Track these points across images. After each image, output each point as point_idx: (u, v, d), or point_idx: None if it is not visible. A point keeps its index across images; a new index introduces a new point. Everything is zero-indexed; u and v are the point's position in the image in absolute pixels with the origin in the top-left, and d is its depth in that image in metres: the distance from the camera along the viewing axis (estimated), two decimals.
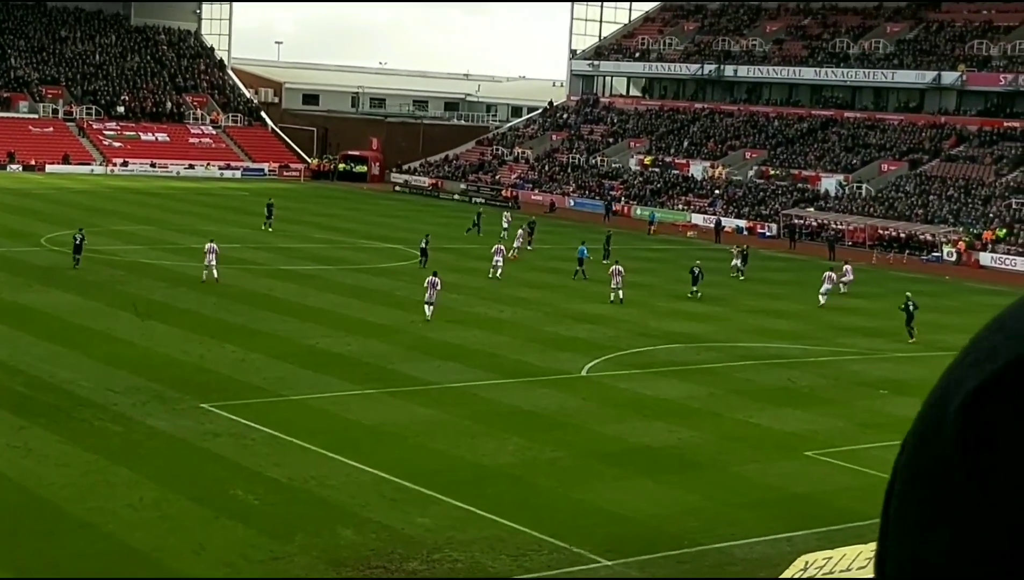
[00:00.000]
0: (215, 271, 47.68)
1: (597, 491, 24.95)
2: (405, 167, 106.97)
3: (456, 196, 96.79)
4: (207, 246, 48.56)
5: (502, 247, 55.17)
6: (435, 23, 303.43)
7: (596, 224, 76.12)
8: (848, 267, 55.92)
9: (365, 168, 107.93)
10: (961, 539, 1.01)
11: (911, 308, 44.18)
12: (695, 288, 51.34)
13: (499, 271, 52.87)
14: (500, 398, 32.36)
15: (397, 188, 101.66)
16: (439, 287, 42.53)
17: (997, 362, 1.06)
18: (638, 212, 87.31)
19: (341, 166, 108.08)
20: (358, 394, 31.88)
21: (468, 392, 32.83)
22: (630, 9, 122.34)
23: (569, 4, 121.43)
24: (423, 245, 56.40)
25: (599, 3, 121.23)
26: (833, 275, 52.63)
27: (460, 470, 26.00)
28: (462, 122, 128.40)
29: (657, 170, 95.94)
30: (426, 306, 42.16)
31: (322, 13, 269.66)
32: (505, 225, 68.09)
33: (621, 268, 48.89)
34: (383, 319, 42.43)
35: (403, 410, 30.42)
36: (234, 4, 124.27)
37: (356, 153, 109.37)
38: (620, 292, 48.15)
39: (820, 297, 51.00)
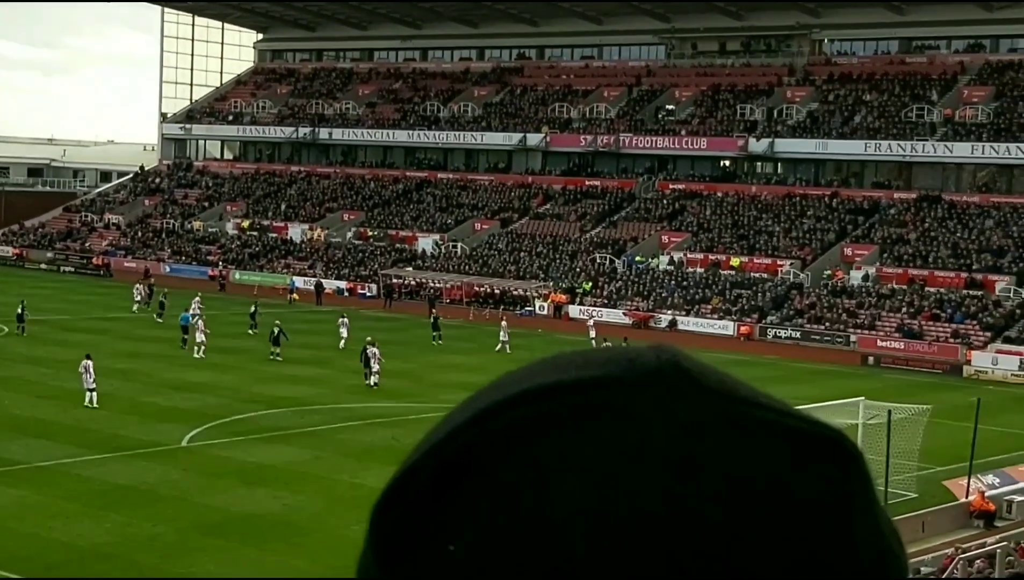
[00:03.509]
0: None
1: (200, 564, 24.26)
2: None
3: (43, 265, 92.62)
4: None
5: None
6: (14, 86, 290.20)
7: (197, 290, 74.40)
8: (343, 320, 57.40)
9: None
10: None
11: None
12: (276, 349, 51.42)
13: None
14: (95, 475, 30.98)
15: None
16: (92, 372, 39.76)
17: (412, 457, 0.99)
18: (237, 276, 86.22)
19: None
20: None
21: (60, 470, 31.24)
22: (221, 72, 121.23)
23: (158, 66, 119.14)
24: (20, 311, 55.81)
25: (188, 69, 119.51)
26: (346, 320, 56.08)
27: (53, 552, 24.67)
28: (47, 189, 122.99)
29: (255, 234, 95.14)
30: (89, 393, 39.59)
31: None
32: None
33: (377, 350, 46.84)
34: None
35: None
36: None
37: None
38: (375, 375, 46.22)
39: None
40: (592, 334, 61.59)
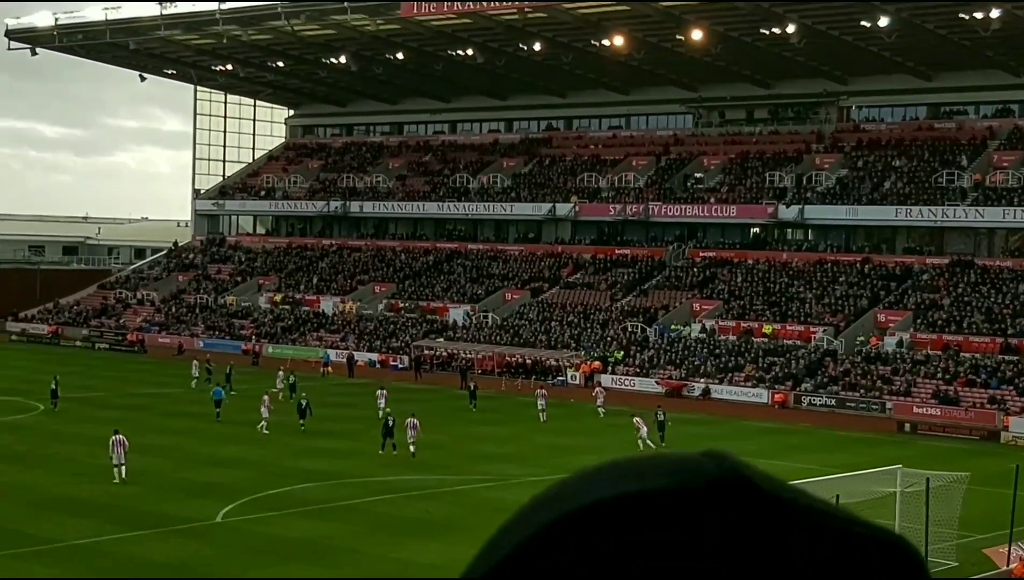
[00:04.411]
0: None
1: None
2: (22, 315, 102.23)
3: (78, 342, 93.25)
4: None
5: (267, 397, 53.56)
6: (49, 165, 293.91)
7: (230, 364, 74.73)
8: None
9: None
10: None
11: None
12: (303, 421, 52.10)
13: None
14: (131, 552, 30.98)
15: (14, 337, 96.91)
16: (127, 446, 40.16)
17: (479, 570, 1.03)
18: (270, 350, 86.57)
19: None
20: None
21: (95, 548, 31.27)
22: (253, 148, 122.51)
23: (192, 143, 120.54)
24: (53, 387, 56.56)
25: (221, 146, 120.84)
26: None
27: None
28: (82, 266, 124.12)
29: (288, 307, 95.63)
30: (117, 469, 39.84)
31: None
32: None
33: (416, 421, 47.39)
34: (2, 476, 40.00)
35: (12, 570, 28.62)
36: None
37: None
38: (412, 445, 46.63)
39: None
40: (599, 402, 61.31)
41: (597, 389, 64.88)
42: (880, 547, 0.97)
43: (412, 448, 46.59)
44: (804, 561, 0.94)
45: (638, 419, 50.83)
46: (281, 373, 64.94)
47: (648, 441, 50.02)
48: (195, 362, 68.67)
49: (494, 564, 1.00)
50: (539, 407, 58.07)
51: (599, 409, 60.06)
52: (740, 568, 0.93)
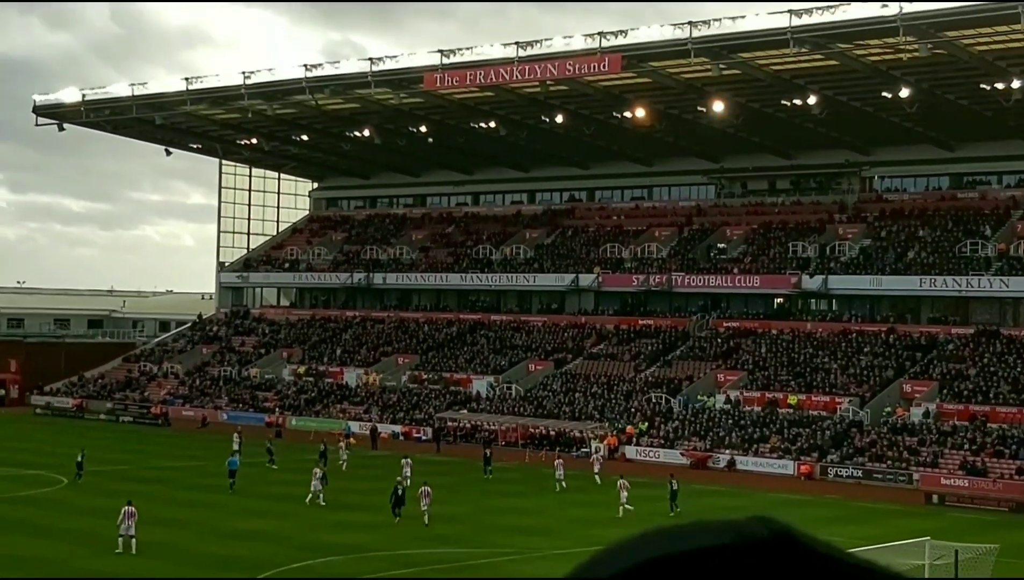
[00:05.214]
0: None
1: None
2: (47, 388, 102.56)
3: (103, 415, 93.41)
4: None
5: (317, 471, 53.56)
6: (74, 240, 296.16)
7: (270, 438, 74.69)
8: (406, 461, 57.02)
9: (3, 392, 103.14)
10: None
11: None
12: (320, 490, 52.07)
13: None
14: None
15: (39, 411, 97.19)
16: (136, 517, 40.23)
17: None
18: (294, 422, 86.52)
19: None
20: None
21: None
22: (277, 221, 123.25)
23: (216, 216, 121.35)
24: (79, 459, 56.91)
25: (245, 218, 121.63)
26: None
27: None
28: (107, 339, 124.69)
29: (311, 379, 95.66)
30: (122, 539, 39.79)
31: None
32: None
33: (429, 489, 47.79)
34: (25, 550, 39.92)
35: None
36: None
37: None
38: (426, 515, 46.89)
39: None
40: (596, 468, 61.40)
41: (594, 456, 65.15)
42: None
43: (426, 519, 46.62)
44: None
45: (623, 481, 51.26)
46: (343, 445, 66.25)
47: (628, 506, 50.23)
48: (236, 434, 68.53)
49: None
50: (557, 477, 58.05)
51: (596, 476, 60.08)
52: None
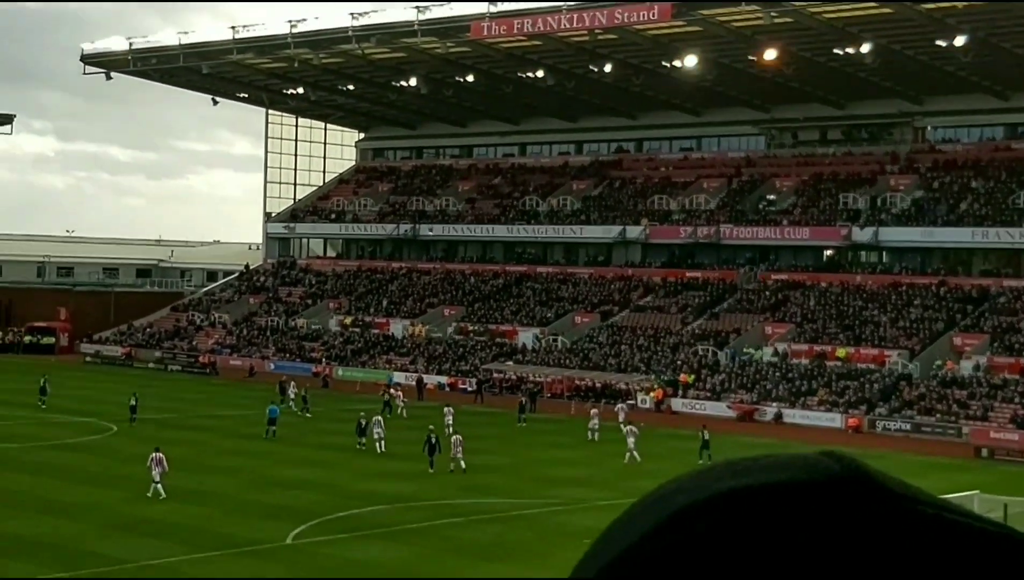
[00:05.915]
0: None
1: None
2: (96, 337, 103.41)
3: (151, 364, 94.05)
4: None
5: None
6: (122, 189, 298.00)
7: (305, 387, 74.99)
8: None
9: (53, 340, 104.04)
10: None
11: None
12: (362, 440, 52.51)
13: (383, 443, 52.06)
14: (203, 572, 30.94)
15: (88, 359, 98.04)
16: (165, 466, 40.49)
17: (599, 560, 1.00)
18: (340, 373, 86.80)
19: (27, 338, 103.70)
20: None
21: (167, 568, 31.27)
22: (324, 171, 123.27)
23: (263, 166, 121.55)
24: (132, 403, 58.79)
25: (292, 169, 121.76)
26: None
27: None
28: (155, 288, 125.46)
29: (358, 330, 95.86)
30: (155, 485, 40.07)
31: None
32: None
33: (460, 438, 48.22)
34: (75, 497, 40.23)
35: None
36: None
37: (43, 325, 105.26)
38: (461, 461, 47.12)
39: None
40: (621, 418, 60.62)
41: (620, 405, 64.93)
42: (1007, 543, 0.95)
43: (462, 464, 46.91)
44: (934, 556, 0.93)
45: (631, 427, 51.25)
46: (399, 394, 67.86)
47: (635, 453, 50.24)
48: (292, 385, 68.87)
49: (610, 560, 0.97)
50: (590, 426, 58.17)
51: (620, 425, 59.21)
52: (868, 563, 0.91)
